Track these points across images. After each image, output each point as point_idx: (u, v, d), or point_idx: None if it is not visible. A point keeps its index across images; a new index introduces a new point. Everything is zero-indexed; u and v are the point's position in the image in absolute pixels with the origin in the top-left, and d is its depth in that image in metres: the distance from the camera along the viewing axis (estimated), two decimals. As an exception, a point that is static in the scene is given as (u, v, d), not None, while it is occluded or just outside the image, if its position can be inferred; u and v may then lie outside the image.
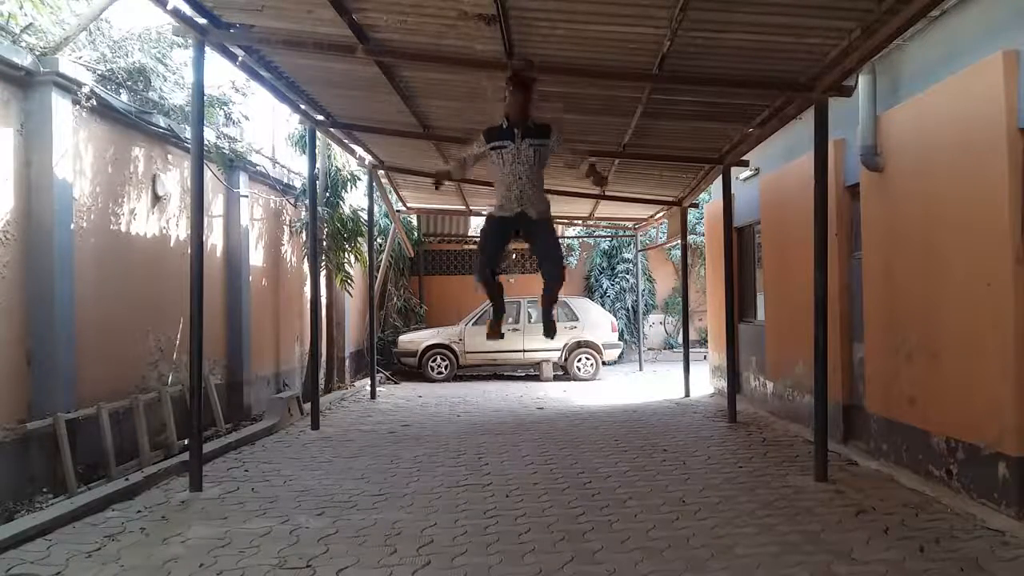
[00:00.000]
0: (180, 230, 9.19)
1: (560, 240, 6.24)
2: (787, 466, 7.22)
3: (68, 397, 6.89)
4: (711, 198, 13.78)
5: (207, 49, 6.79)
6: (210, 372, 9.23)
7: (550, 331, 5.88)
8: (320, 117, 9.79)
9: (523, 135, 5.34)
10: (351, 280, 13.38)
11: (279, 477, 7.09)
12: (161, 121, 8.65)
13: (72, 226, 7.09)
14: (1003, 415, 5.42)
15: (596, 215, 16.58)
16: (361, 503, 6.15)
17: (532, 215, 5.41)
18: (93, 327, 7.33)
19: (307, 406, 10.47)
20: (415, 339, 16.20)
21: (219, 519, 5.67)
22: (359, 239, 13.42)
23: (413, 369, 15.98)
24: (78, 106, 7.16)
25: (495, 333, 5.85)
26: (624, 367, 17.55)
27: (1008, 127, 5.34)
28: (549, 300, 5.73)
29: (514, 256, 19.61)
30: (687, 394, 12.61)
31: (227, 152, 10.25)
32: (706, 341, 15.82)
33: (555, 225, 5.60)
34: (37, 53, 6.79)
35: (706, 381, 13.72)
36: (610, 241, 20.72)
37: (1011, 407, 5.33)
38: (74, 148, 7.17)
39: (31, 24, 7.27)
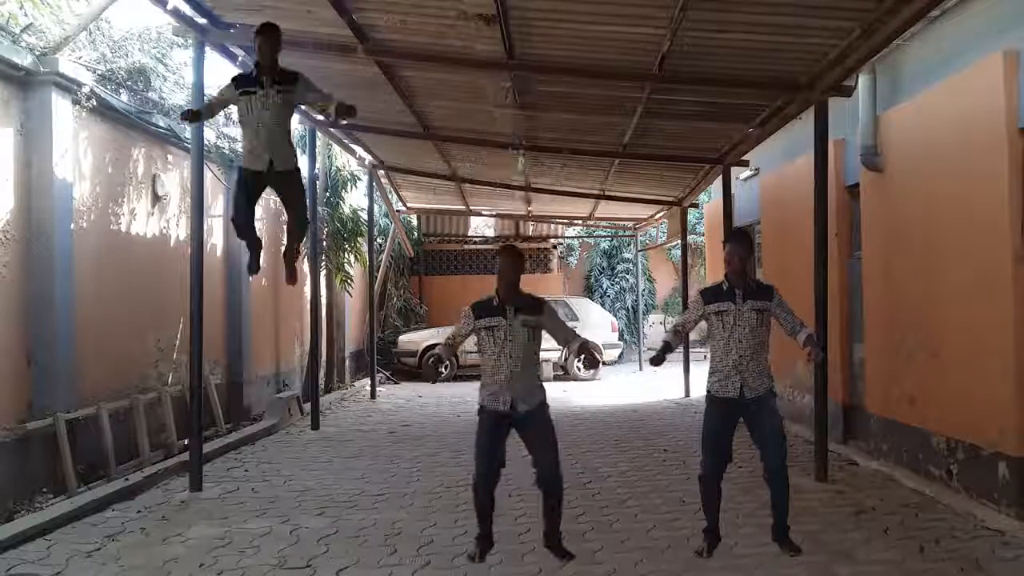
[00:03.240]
0: (180, 230, 9.18)
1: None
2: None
3: (68, 397, 6.89)
4: (711, 198, 13.76)
5: (207, 49, 6.79)
6: (210, 372, 9.22)
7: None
8: (320, 117, 9.78)
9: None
10: (351, 280, 13.38)
11: (279, 477, 7.09)
12: (161, 121, 8.64)
13: (72, 226, 7.08)
14: (1003, 415, 5.42)
15: (596, 215, 16.58)
16: (361, 503, 6.15)
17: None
18: (93, 327, 7.33)
19: (307, 406, 10.47)
20: (415, 339, 16.18)
21: (219, 519, 5.67)
22: (359, 239, 13.42)
23: (413, 369, 15.98)
24: (78, 106, 7.15)
25: (256, 268, 5.68)
26: (624, 367, 17.53)
27: (1008, 127, 5.34)
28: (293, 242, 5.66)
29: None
30: (687, 394, 12.60)
31: (227, 152, 10.24)
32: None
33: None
34: (37, 53, 6.78)
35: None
36: (610, 241, 20.70)
37: (1011, 407, 5.34)
38: (74, 148, 7.16)
39: (31, 24, 7.25)
